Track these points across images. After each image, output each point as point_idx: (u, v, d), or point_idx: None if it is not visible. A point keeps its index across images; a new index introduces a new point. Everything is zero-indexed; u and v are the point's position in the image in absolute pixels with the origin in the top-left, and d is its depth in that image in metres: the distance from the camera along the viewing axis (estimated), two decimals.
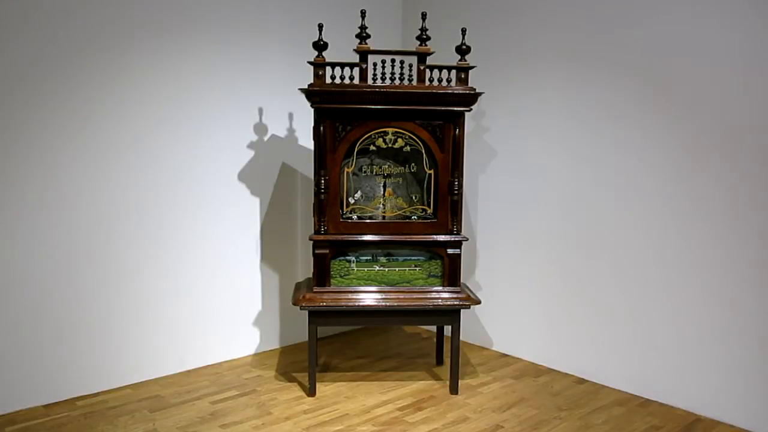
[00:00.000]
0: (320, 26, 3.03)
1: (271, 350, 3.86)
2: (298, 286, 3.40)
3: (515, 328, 3.79)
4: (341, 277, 3.14)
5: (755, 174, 2.76)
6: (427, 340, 4.08)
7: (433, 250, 3.16)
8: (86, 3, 2.96)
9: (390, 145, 3.11)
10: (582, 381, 3.41)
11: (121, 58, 3.10)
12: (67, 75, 2.94)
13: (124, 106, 3.14)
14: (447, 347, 3.53)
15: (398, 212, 3.22)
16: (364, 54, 3.04)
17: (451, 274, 3.16)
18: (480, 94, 3.05)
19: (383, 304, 3.08)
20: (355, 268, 3.15)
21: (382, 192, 3.25)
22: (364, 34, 3.02)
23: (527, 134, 3.64)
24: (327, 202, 3.07)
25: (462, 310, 3.18)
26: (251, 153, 3.66)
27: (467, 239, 3.23)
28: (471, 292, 3.24)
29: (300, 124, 3.82)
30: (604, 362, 3.35)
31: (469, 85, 3.09)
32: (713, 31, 2.84)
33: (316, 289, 3.11)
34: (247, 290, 3.74)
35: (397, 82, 3.09)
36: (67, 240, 3.00)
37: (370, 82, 3.06)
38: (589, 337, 3.42)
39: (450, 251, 3.14)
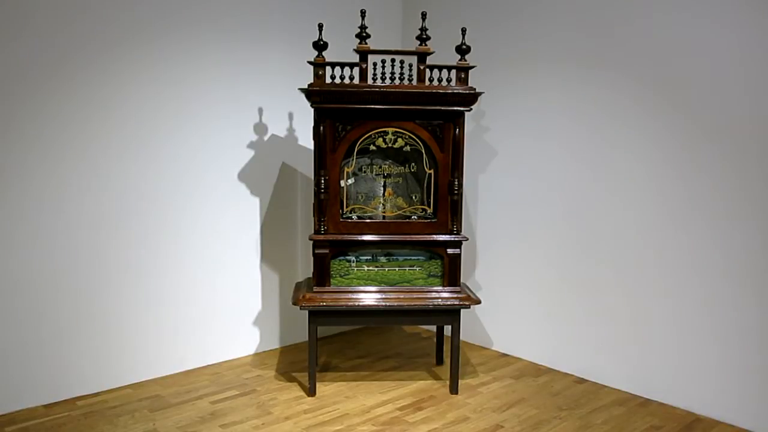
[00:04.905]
0: (320, 26, 3.03)
1: (271, 350, 3.87)
2: (298, 286, 3.40)
3: (515, 328, 3.79)
4: (341, 276, 3.14)
5: (755, 174, 2.76)
6: (427, 340, 4.08)
7: (433, 250, 3.16)
8: (86, 2, 2.96)
9: (390, 145, 3.11)
10: (582, 381, 3.41)
11: (121, 58, 3.10)
12: (67, 74, 2.94)
13: (124, 106, 3.14)
14: (447, 347, 3.53)
15: (398, 212, 3.22)
16: (364, 54, 3.04)
17: (451, 274, 3.16)
18: (480, 94, 3.05)
19: (383, 304, 3.08)
20: (355, 268, 3.15)
21: (382, 192, 3.25)
22: (364, 34, 3.02)
23: (527, 134, 3.64)
24: (327, 202, 3.07)
25: (462, 310, 3.18)
26: (251, 153, 3.66)
27: (467, 239, 3.23)
28: (471, 291, 3.24)
29: (300, 124, 3.82)
30: (604, 362, 3.35)
31: (469, 85, 3.09)
32: (713, 30, 2.84)
33: (316, 289, 3.11)
34: (247, 290, 3.74)
35: (397, 82, 3.09)
36: (66, 240, 3.00)
37: (370, 82, 3.06)
38: (589, 337, 3.42)
39: (450, 251, 3.14)
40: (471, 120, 3.84)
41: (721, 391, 2.92)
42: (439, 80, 3.09)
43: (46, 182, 2.92)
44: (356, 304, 3.08)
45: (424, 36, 3.06)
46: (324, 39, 3.01)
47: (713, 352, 2.93)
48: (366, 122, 3.05)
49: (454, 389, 3.21)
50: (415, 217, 3.20)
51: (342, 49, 3.33)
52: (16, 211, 2.85)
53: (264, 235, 3.78)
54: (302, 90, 3.02)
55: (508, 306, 3.82)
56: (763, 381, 2.78)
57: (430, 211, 3.18)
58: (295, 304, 3.10)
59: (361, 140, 3.08)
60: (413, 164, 3.22)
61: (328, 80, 3.04)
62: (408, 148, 3.13)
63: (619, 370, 3.29)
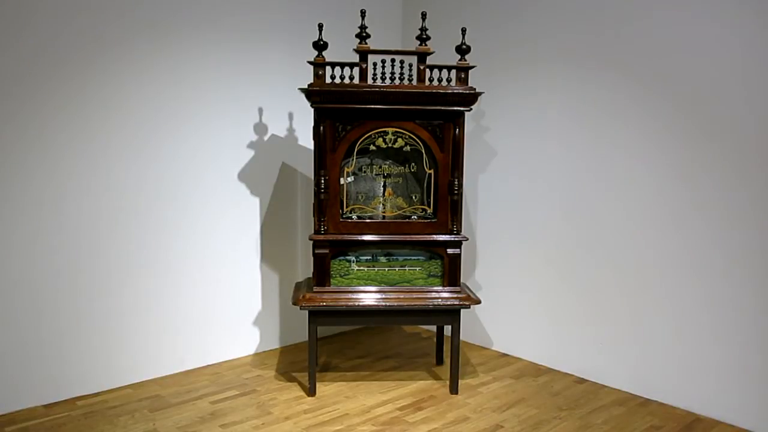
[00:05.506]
0: (320, 26, 3.03)
1: (271, 350, 3.87)
2: (298, 286, 3.40)
3: (515, 327, 3.79)
4: (341, 276, 3.14)
5: (755, 173, 2.76)
6: (427, 340, 4.08)
7: (433, 250, 3.16)
8: (86, 2, 2.96)
9: (390, 145, 3.11)
10: (582, 381, 3.41)
11: (121, 58, 3.10)
12: (67, 74, 2.94)
13: (125, 106, 3.14)
14: (447, 347, 3.53)
15: (398, 212, 3.22)
16: (364, 54, 3.04)
17: (451, 274, 3.16)
18: (480, 94, 3.05)
19: (383, 304, 3.08)
20: (355, 268, 3.15)
21: (382, 192, 3.25)
22: (364, 34, 3.02)
23: (527, 134, 3.64)
24: (327, 202, 3.07)
25: (462, 310, 3.18)
26: (251, 153, 3.66)
27: (467, 239, 3.23)
28: (471, 291, 3.24)
29: (300, 124, 3.82)
30: (604, 362, 3.35)
31: (469, 85, 3.09)
32: (713, 30, 2.84)
33: (316, 289, 3.11)
34: (247, 290, 3.74)
35: (397, 81, 3.09)
36: (66, 240, 3.00)
37: (370, 81, 3.06)
38: (589, 337, 3.42)
39: (450, 251, 3.14)
40: (471, 120, 3.84)
41: (721, 391, 2.92)
42: (439, 80, 3.09)
43: (46, 182, 2.92)
44: (356, 304, 3.08)
45: (424, 36, 3.06)
46: (324, 39, 3.01)
47: (713, 352, 2.93)
48: (366, 122, 3.05)
49: (454, 389, 3.21)
50: (415, 217, 3.20)
51: (342, 49, 3.33)
52: (16, 211, 2.85)
53: (264, 235, 3.78)
54: (302, 90, 3.02)
55: (508, 306, 3.82)
56: (763, 381, 2.78)
57: (430, 211, 3.18)
58: (295, 304, 3.10)
59: (361, 140, 3.08)
60: (413, 164, 3.22)
61: (328, 80, 3.04)
62: (408, 148, 3.13)
63: (619, 370, 3.29)
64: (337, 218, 3.10)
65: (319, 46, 3.00)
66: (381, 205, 3.24)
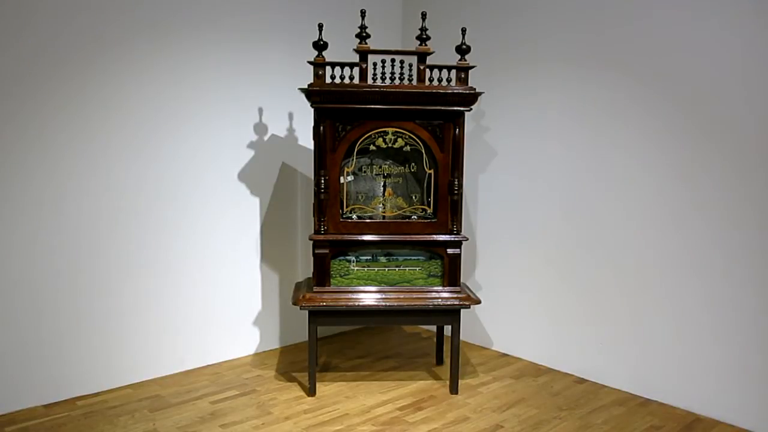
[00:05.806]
0: (320, 26, 3.03)
1: (271, 350, 3.87)
2: (298, 286, 3.40)
3: (515, 327, 3.79)
4: (341, 276, 3.14)
5: (755, 173, 2.76)
6: (427, 340, 4.08)
7: (433, 250, 3.16)
8: (86, 2, 2.96)
9: (390, 145, 3.11)
10: (582, 381, 3.41)
11: (121, 58, 3.10)
12: (67, 74, 2.94)
13: (125, 106, 3.14)
14: (447, 347, 3.53)
15: (398, 212, 3.22)
16: (364, 54, 3.04)
17: (451, 274, 3.16)
18: (480, 93, 3.05)
19: (383, 304, 3.08)
20: (355, 268, 3.15)
21: (382, 192, 3.25)
22: (364, 34, 3.02)
23: (527, 134, 3.64)
24: (327, 202, 3.07)
25: (462, 310, 3.18)
26: (251, 153, 3.66)
27: (467, 239, 3.23)
28: (471, 291, 3.24)
29: (300, 124, 3.82)
30: (604, 362, 3.35)
31: (469, 84, 3.09)
32: (714, 30, 2.84)
33: (316, 289, 3.11)
34: (247, 290, 3.74)
35: (397, 81, 3.09)
36: (66, 240, 3.00)
37: (370, 81, 3.06)
38: (589, 337, 3.42)
39: (450, 251, 3.14)
40: (471, 120, 3.84)
41: (721, 391, 2.92)
42: (439, 80, 3.09)
43: (46, 182, 2.92)
44: (356, 304, 3.08)
45: (424, 36, 3.06)
46: (324, 39, 3.01)
47: (713, 352, 2.93)
48: (366, 122, 3.05)
49: (454, 389, 3.21)
50: (415, 217, 3.20)
51: (342, 49, 3.33)
52: (16, 211, 2.85)
53: (264, 235, 3.78)
54: (302, 90, 3.02)
55: (508, 306, 3.82)
56: (763, 381, 2.78)
57: (430, 211, 3.18)
58: (295, 304, 3.10)
59: (361, 140, 3.08)
60: (413, 164, 3.22)
61: (328, 80, 3.04)
62: (408, 148, 3.13)
63: (619, 370, 3.29)
64: (337, 218, 3.10)
65: (319, 46, 3.00)
66: (381, 205, 3.24)
